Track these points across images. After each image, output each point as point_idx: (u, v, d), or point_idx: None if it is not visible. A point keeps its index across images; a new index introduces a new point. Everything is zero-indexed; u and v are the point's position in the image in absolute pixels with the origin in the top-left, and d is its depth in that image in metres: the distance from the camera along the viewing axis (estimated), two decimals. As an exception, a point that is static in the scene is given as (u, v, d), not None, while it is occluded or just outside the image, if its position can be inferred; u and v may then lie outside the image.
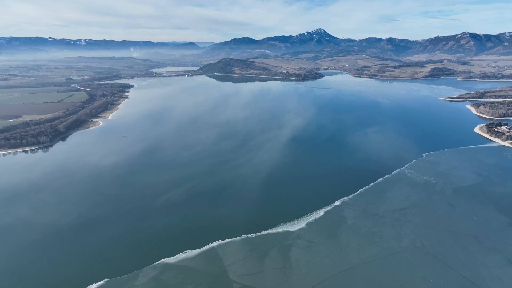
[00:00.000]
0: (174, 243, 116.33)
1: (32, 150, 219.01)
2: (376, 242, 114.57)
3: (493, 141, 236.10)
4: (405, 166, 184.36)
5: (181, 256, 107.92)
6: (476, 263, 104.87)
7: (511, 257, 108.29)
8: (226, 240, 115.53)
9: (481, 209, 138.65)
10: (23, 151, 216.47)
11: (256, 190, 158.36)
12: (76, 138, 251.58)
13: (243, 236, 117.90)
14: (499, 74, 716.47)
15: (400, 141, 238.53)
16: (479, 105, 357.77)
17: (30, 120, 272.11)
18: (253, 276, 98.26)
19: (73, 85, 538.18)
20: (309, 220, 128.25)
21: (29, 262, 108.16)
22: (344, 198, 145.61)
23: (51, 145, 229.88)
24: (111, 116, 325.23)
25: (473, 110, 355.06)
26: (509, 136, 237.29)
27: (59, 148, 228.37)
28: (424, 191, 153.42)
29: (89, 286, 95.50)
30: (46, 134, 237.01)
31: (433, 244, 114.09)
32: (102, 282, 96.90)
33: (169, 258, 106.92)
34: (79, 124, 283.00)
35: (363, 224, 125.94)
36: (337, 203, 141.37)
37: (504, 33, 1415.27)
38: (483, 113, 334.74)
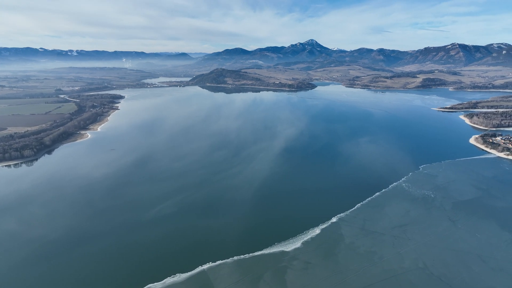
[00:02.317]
0: (162, 266, 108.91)
1: (15, 165, 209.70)
2: (376, 263, 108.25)
3: (489, 152, 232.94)
4: (402, 179, 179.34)
5: (169, 281, 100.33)
6: (483, 285, 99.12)
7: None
8: (218, 262, 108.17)
9: (483, 225, 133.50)
10: (5, 166, 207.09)
11: (249, 204, 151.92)
12: (62, 151, 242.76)
13: (235, 258, 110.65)
14: (489, 84, 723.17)
15: (396, 153, 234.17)
16: (473, 116, 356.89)
17: (14, 133, 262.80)
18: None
19: (62, 96, 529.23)
20: (305, 238, 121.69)
21: (12, 281, 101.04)
22: (341, 214, 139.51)
23: (36, 159, 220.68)
24: (100, 128, 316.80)
25: (467, 120, 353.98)
26: (505, 147, 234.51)
27: (45, 161, 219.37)
28: (423, 206, 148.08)
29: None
30: (31, 147, 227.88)
31: (436, 264, 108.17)
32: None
33: (155, 283, 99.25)
34: (66, 136, 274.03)
35: (361, 242, 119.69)
36: (334, 219, 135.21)
37: (492, 44, 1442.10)
38: (477, 124, 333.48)
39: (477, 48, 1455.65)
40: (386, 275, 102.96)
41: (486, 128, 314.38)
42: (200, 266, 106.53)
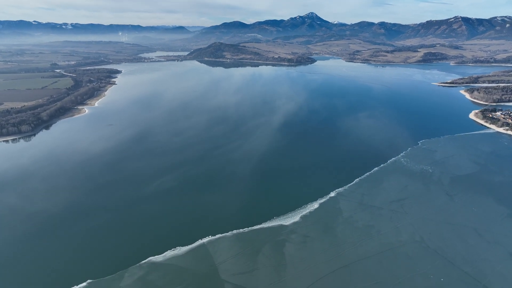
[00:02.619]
0: (162, 239, 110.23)
1: (13, 140, 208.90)
2: (374, 237, 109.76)
3: (488, 128, 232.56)
4: (401, 154, 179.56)
5: (169, 254, 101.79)
6: (477, 258, 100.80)
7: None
8: (217, 236, 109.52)
9: (480, 199, 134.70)
10: (3, 141, 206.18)
11: (248, 179, 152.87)
12: (60, 126, 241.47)
13: (234, 231, 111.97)
14: (491, 58, 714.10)
15: (395, 128, 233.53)
16: (473, 91, 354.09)
17: (11, 108, 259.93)
18: (245, 275, 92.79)
19: (58, 70, 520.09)
20: (304, 213, 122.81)
21: (12, 256, 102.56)
22: (339, 189, 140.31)
23: (34, 134, 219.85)
24: (97, 103, 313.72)
25: (467, 95, 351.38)
26: (504, 122, 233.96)
27: (43, 137, 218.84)
28: (421, 181, 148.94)
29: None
30: (28, 122, 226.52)
31: (433, 237, 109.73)
32: (84, 284, 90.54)
33: (156, 256, 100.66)
34: (63, 112, 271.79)
35: (359, 216, 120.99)
36: (332, 194, 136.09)
37: (496, 17, 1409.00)
38: (477, 99, 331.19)
39: (480, 22, 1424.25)
40: (383, 248, 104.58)
41: (486, 103, 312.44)
42: (200, 240, 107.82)
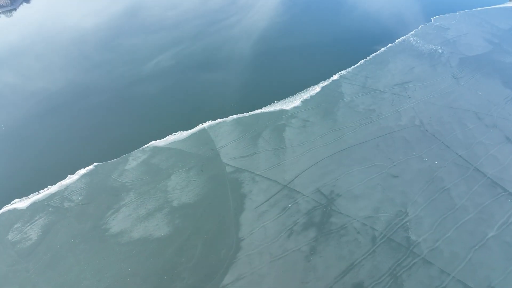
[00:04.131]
0: (163, 124, 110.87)
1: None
2: (374, 121, 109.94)
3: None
4: (411, 32, 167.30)
5: (170, 138, 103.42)
6: (473, 141, 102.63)
7: (510, 134, 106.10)
8: (217, 121, 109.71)
9: (487, 82, 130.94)
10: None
11: (248, 59, 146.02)
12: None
13: (235, 116, 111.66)
14: None
15: (407, 1, 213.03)
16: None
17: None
18: (246, 158, 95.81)
19: None
20: (305, 97, 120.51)
21: (18, 134, 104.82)
22: (343, 71, 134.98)
23: (14, 9, 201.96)
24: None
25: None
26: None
27: (26, 11, 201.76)
28: (428, 62, 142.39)
29: (78, 171, 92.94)
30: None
31: (432, 122, 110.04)
32: (91, 166, 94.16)
33: (158, 140, 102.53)
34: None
35: (361, 100, 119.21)
36: (335, 77, 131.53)
37: None
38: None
39: None
40: (382, 132, 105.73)
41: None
42: (200, 124, 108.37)
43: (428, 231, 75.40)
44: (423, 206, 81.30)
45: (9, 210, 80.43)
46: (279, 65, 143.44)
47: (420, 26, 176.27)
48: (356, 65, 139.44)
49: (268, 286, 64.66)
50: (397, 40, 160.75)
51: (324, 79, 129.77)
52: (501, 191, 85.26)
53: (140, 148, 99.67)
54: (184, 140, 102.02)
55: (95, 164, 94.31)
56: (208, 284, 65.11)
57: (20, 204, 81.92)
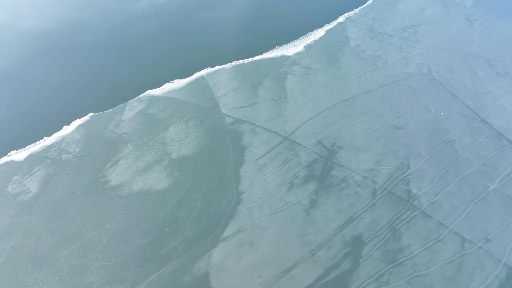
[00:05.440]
0: (159, 70, 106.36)
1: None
2: (380, 68, 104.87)
3: None
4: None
5: (167, 87, 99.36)
6: (482, 90, 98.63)
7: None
8: (216, 68, 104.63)
9: (502, 24, 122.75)
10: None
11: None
12: None
13: (234, 63, 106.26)
14: None
15: None
16: None
17: None
18: (246, 108, 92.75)
19: None
20: (308, 41, 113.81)
21: (13, 73, 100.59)
22: (349, 12, 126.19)
23: None
24: None
25: None
26: None
27: None
28: (441, 3, 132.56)
29: (74, 121, 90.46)
30: None
31: (441, 69, 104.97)
32: (87, 117, 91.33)
33: (154, 89, 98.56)
34: None
35: (367, 46, 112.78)
36: (341, 19, 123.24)
37: None
38: None
39: None
40: (387, 80, 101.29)
41: None
42: (198, 72, 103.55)
43: (429, 184, 74.95)
44: (426, 158, 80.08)
45: (7, 162, 79.55)
46: (282, 6, 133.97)
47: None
48: (364, 5, 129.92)
49: (268, 239, 65.65)
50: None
51: (329, 22, 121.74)
52: (506, 143, 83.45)
53: (137, 97, 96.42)
54: (181, 89, 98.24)
55: (90, 114, 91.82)
56: (209, 237, 66.03)
57: (17, 156, 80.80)
